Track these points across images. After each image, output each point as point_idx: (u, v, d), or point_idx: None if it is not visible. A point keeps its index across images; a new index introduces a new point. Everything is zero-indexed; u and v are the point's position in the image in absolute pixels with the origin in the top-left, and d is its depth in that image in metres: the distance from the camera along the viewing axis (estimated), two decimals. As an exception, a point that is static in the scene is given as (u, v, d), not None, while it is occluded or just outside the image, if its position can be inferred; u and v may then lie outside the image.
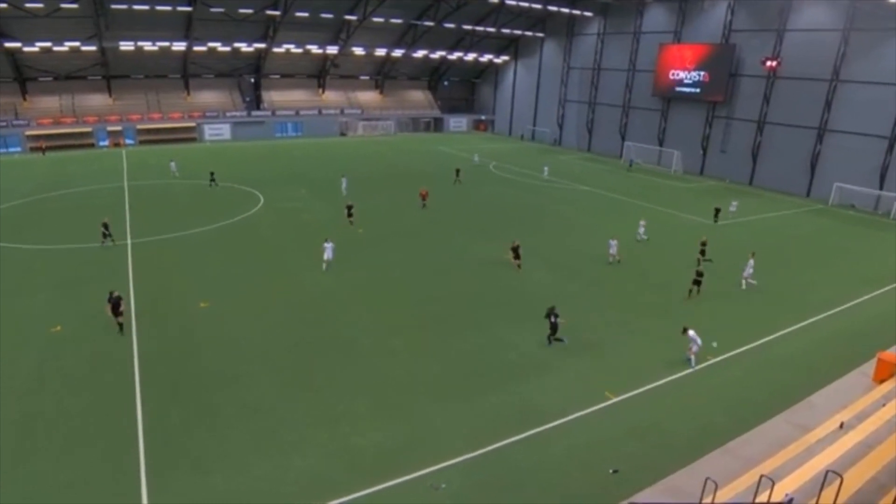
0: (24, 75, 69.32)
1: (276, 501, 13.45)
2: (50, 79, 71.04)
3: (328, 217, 37.37)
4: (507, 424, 16.39)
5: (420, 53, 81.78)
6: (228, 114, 78.14)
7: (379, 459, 14.91)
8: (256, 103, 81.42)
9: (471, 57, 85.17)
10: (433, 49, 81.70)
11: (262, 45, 72.47)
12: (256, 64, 78.49)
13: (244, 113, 79.09)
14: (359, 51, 78.05)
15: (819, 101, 51.23)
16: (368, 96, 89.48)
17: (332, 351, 20.50)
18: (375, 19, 70.24)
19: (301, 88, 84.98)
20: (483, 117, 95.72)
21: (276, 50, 73.75)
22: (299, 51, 74.73)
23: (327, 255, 27.79)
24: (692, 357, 19.99)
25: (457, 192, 46.94)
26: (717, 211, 40.82)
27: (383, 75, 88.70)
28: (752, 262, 28.13)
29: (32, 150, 66.32)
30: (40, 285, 26.20)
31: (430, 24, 73.60)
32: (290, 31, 70.79)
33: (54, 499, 13.37)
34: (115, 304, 21.25)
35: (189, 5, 62.13)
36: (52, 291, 25.50)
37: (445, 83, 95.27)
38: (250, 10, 65.21)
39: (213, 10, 62.94)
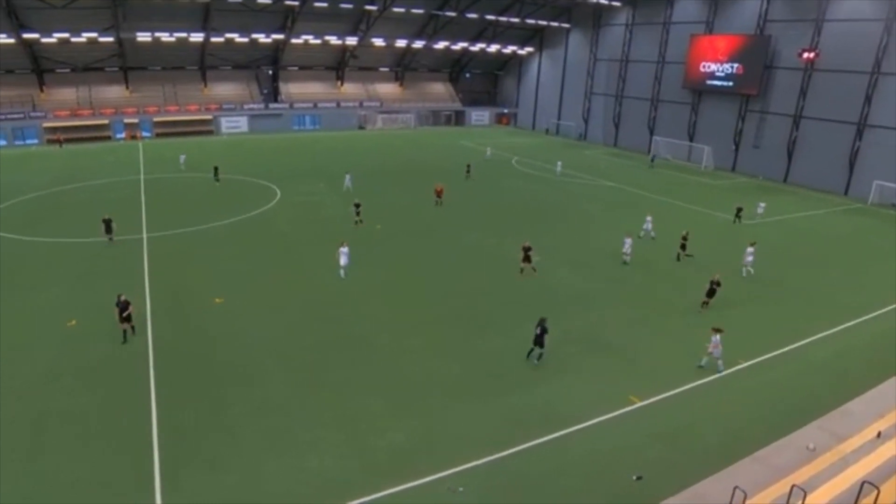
0: (41, 67, 70.60)
1: (290, 502, 13.56)
2: (67, 70, 72.29)
3: (346, 213, 37.46)
4: (528, 427, 16.33)
5: (441, 45, 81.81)
6: (246, 106, 78.92)
7: (396, 461, 14.97)
8: (274, 96, 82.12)
9: (494, 48, 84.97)
10: (455, 40, 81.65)
11: (280, 36, 73.03)
12: (274, 55, 79.16)
13: (262, 105, 79.80)
14: (379, 42, 78.31)
15: (859, 95, 50.22)
16: (388, 89, 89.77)
17: (348, 349, 20.63)
18: (396, 9, 70.40)
19: (319, 80, 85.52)
20: (506, 111, 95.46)
21: (294, 41, 74.31)
22: (318, 42, 75.15)
23: (343, 260, 27.06)
24: (718, 362, 19.74)
25: (476, 188, 46.89)
26: (739, 210, 39.75)
27: (403, 67, 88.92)
28: (751, 249, 29.12)
29: (49, 142, 67.62)
30: (56, 279, 26.74)
31: (452, 14, 73.51)
32: (309, 22, 71.24)
33: (67, 496, 13.61)
34: (123, 309, 20.49)
35: (206, -5, 62.91)
36: (67, 285, 26.01)
37: (467, 75, 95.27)
38: (269, 1, 65.72)
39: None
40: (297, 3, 66.36)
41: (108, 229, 31.53)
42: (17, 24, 61.30)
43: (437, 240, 33.90)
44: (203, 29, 68.95)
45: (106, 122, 72.08)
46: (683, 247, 31.02)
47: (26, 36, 62.82)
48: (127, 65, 73.50)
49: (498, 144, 67.56)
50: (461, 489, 13.93)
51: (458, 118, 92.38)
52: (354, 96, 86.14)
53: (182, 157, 53.63)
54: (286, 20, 71.43)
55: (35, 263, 28.84)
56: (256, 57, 78.98)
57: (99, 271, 27.71)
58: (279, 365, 19.51)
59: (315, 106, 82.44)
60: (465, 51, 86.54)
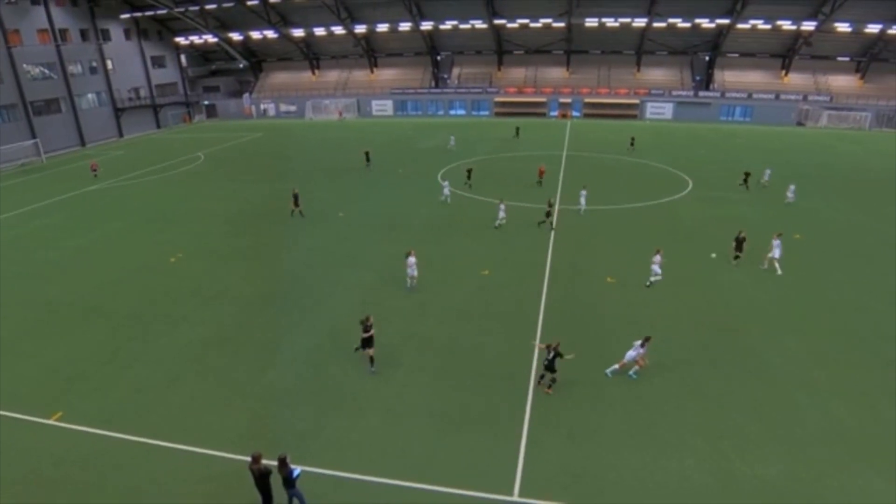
0: (502, 48, 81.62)
1: (642, 492, 13.40)
2: (521, 52, 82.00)
3: (760, 217, 34.07)
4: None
5: (931, 30, 66.45)
6: (674, 93, 77.70)
7: (757, 493, 13.33)
8: (706, 83, 78.77)
9: None
10: (953, 24, 65.36)
11: (725, 21, 69.27)
12: (715, 41, 75.60)
13: (690, 93, 77.51)
14: (843, 27, 67.64)
15: None
16: (843, 82, 77.16)
17: (737, 365, 18.53)
18: (876, -12, 59.78)
19: (760, 69, 78.59)
20: None
21: (740, 26, 69.62)
22: (767, 27, 68.91)
23: (776, 253, 25.42)
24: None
25: None
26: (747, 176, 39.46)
27: (870, 57, 75.08)
28: (777, 242, 25.48)
29: (497, 114, 78.37)
30: (486, 232, 31.28)
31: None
32: (762, 5, 65.84)
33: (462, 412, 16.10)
34: (366, 329, 17.88)
35: (657, -20, 63.36)
36: (492, 240, 30.10)
37: (963, 69, 75.60)
38: (720, -17, 62.81)
39: (680, -16, 62.93)
40: (751, -15, 61.86)
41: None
42: (490, 12, 71.84)
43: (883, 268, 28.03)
44: (647, 14, 69.79)
45: (544, 100, 79.83)
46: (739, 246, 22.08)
47: (496, 21, 73.11)
48: (571, 48, 79.56)
49: None
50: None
51: (934, 121, 74.47)
52: (799, 88, 76.69)
53: (452, 139, 57.02)
54: (736, 3, 67.25)
55: (470, 218, 34.10)
56: (695, 42, 76.71)
57: (515, 232, 31.31)
58: (658, 359, 18.67)
59: (749, 97, 76.23)
60: (965, 38, 68.62)
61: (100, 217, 36.75)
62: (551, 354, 16.78)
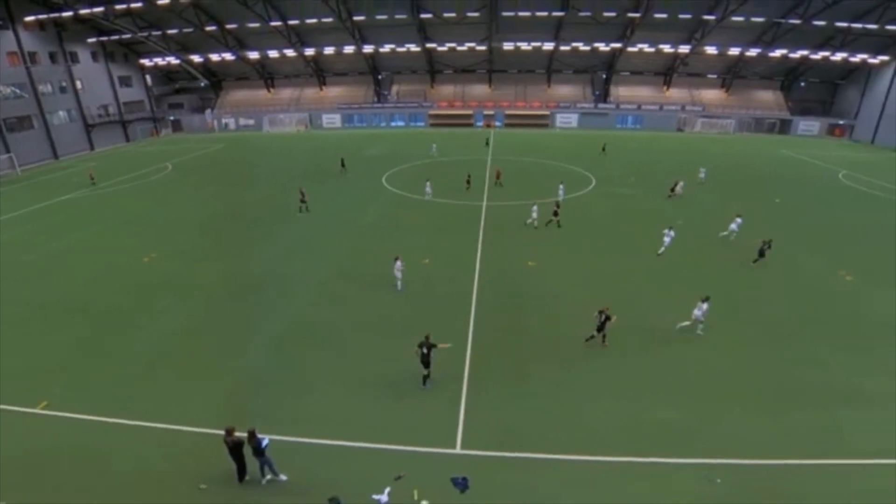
0: (434, 68, 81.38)
1: (567, 436, 13.86)
2: (450, 71, 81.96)
3: (653, 207, 35.48)
4: (803, 444, 13.73)
5: (778, 53, 70.25)
6: (578, 105, 79.51)
7: (659, 432, 14.05)
8: (604, 97, 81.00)
9: (839, 57, 69.83)
10: (794, 48, 69.27)
11: (618, 45, 71.25)
12: (610, 62, 77.68)
13: (592, 105, 79.49)
14: (711, 50, 70.87)
15: None
16: (712, 94, 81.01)
17: (634, 332, 19.08)
18: (735, 18, 62.64)
19: (647, 85, 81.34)
20: (841, 122, 78.20)
21: (630, 49, 71.76)
22: (651, 50, 71.38)
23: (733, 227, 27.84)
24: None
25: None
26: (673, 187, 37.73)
27: (733, 74, 79.05)
28: (739, 220, 27.58)
29: (432, 125, 78.00)
30: (425, 227, 31.16)
31: (797, 21, 62.48)
32: (647, 32, 67.96)
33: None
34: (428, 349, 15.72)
35: (562, 11, 64.42)
36: (427, 234, 30.07)
37: (802, 84, 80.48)
38: (614, 13, 64.52)
39: (581, 13, 64.17)
40: (638, 15, 63.80)
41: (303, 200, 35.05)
42: (423, 37, 71.47)
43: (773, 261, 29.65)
44: (554, 39, 71.04)
45: (470, 112, 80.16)
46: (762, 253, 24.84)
47: (428, 45, 72.79)
48: (492, 68, 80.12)
49: (824, 157, 56.19)
50: (718, 481, 12.48)
51: (782, 127, 79.01)
52: (678, 100, 79.97)
53: (434, 147, 56.95)
54: (626, 30, 69.29)
55: (411, 214, 33.98)
56: (594, 63, 78.52)
57: (449, 227, 31.35)
58: (576, 326, 19.13)
59: (639, 108, 78.95)
60: (804, 59, 72.86)
61: (77, 223, 34.53)
62: (602, 318, 17.64)
